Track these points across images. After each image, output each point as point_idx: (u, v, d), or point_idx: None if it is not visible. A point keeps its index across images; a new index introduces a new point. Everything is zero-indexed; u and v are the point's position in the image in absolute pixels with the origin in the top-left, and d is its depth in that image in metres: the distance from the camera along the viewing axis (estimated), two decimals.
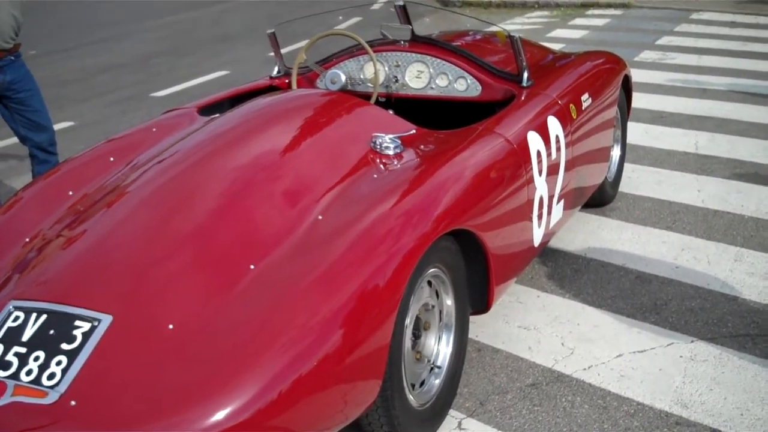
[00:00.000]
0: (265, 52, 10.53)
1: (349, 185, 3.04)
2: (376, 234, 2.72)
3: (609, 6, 14.18)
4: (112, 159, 3.48)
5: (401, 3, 4.48)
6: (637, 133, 6.52)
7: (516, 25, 12.63)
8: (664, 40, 10.78)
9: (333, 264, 2.60)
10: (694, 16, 12.80)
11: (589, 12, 13.88)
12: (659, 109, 7.36)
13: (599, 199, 4.98)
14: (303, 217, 2.83)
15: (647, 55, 9.75)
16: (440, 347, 3.15)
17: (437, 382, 3.10)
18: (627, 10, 13.85)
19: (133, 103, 8.82)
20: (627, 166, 5.61)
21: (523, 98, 3.96)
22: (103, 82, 9.98)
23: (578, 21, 12.99)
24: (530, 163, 3.56)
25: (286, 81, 4.52)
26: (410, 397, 2.88)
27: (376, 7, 14.94)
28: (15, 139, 5.36)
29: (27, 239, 3.01)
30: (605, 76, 4.79)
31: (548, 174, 3.72)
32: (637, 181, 5.58)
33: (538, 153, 3.63)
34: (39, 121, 5.17)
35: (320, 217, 2.84)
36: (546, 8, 14.37)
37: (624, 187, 5.39)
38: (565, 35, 11.56)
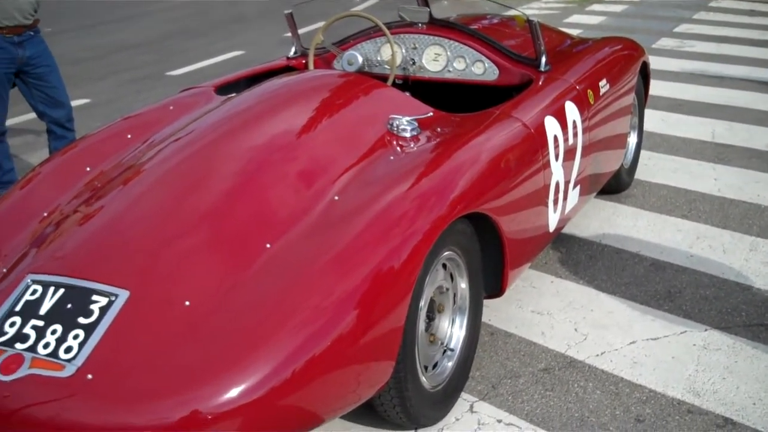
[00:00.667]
0: (279, 33, 10.52)
1: (365, 166, 3.04)
2: (391, 215, 2.72)
3: None
4: (129, 136, 3.48)
5: None
6: (654, 120, 6.50)
7: (533, 9, 12.55)
8: (683, 28, 10.72)
9: (348, 245, 2.60)
10: (713, 3, 12.71)
11: None
12: (677, 96, 7.32)
13: (615, 186, 4.96)
14: (319, 197, 2.84)
15: (665, 43, 9.70)
16: (453, 330, 3.15)
17: (450, 364, 3.10)
18: None
19: (148, 82, 8.83)
20: (643, 153, 5.59)
21: (540, 83, 3.94)
22: (119, 61, 9.98)
23: (596, 7, 12.92)
24: (547, 148, 3.55)
25: (303, 62, 4.52)
26: (423, 379, 2.89)
27: None
28: (32, 115, 5.39)
29: (45, 214, 3.02)
30: (623, 62, 4.76)
31: (565, 159, 3.71)
32: (654, 168, 5.56)
33: (555, 138, 3.62)
34: (57, 97, 5.20)
35: (336, 198, 2.84)
36: None
37: (640, 174, 5.38)
38: (583, 21, 11.50)
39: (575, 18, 11.77)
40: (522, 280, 4.04)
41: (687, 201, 5.01)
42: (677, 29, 10.63)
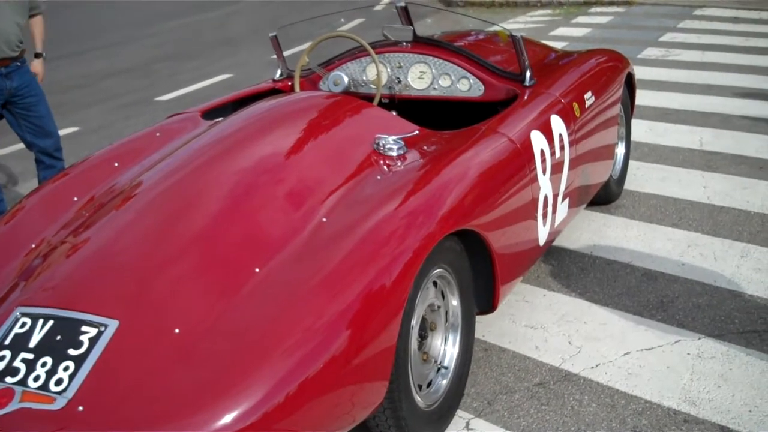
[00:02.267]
0: (267, 54, 10.52)
1: (353, 187, 3.05)
2: (380, 235, 2.73)
3: (611, 3, 14.16)
4: (116, 164, 3.48)
5: (402, 4, 4.48)
6: (642, 130, 6.52)
7: (519, 24, 12.62)
8: (668, 37, 10.76)
9: (338, 266, 2.60)
10: (697, 12, 12.77)
11: (592, 10, 13.86)
12: (664, 106, 7.34)
13: (604, 197, 4.97)
14: (307, 219, 2.84)
15: (651, 52, 9.74)
16: (447, 348, 3.15)
17: (444, 382, 3.10)
18: (629, 8, 13.82)
19: (137, 107, 8.83)
20: (632, 163, 5.61)
21: (525, 97, 3.95)
22: (107, 88, 10.00)
23: (581, 19, 12.98)
24: (534, 162, 3.55)
25: (289, 84, 4.53)
26: (417, 398, 2.88)
27: (378, 8, 14.95)
28: (21, 145, 5.38)
29: (33, 245, 3.02)
30: (608, 74, 4.78)
31: (552, 173, 3.72)
32: (642, 178, 5.57)
33: (542, 152, 3.63)
34: (44, 126, 5.20)
35: (324, 219, 2.84)
36: (549, 6, 14.36)
37: (629, 184, 5.39)
38: (568, 33, 11.55)
39: (561, 31, 11.82)
40: (514, 294, 4.03)
41: (677, 210, 5.02)
42: (662, 38, 10.68)
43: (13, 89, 5.01)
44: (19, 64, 5.05)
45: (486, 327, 3.75)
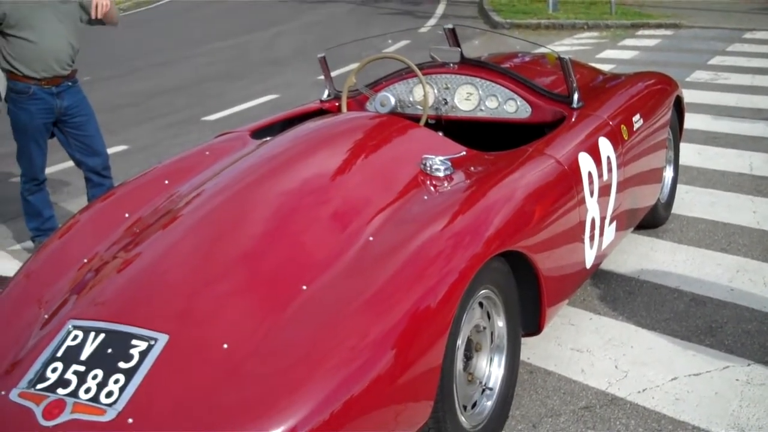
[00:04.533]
0: (313, 75, 10.63)
1: (399, 207, 3.06)
2: (427, 255, 2.73)
3: (659, 26, 14.07)
4: (166, 182, 3.53)
5: (450, 26, 4.51)
6: (691, 154, 6.45)
7: (565, 46, 12.58)
8: (716, 60, 10.67)
9: (384, 285, 2.62)
10: (747, 35, 12.64)
11: (639, 32, 13.78)
12: (713, 129, 7.27)
13: (652, 221, 4.92)
14: (354, 238, 2.85)
15: (699, 76, 9.65)
16: (492, 369, 3.13)
17: (489, 404, 3.08)
18: (678, 31, 13.72)
19: (184, 126, 8.95)
20: (680, 187, 5.55)
21: (573, 119, 3.95)
22: (155, 107, 10.14)
23: (628, 42, 12.91)
24: (581, 184, 3.54)
25: (336, 104, 4.57)
26: (462, 419, 2.87)
27: (423, 30, 15.02)
28: (71, 163, 5.47)
29: (84, 260, 3.07)
30: (657, 97, 4.75)
31: (600, 195, 3.70)
32: (691, 202, 5.51)
33: (590, 174, 3.61)
34: (93, 145, 5.26)
35: (371, 239, 2.86)
36: (596, 29, 14.29)
37: (677, 208, 5.34)
38: (615, 56, 11.49)
39: (607, 53, 11.77)
40: (560, 317, 4.00)
41: (726, 234, 4.96)
42: (711, 62, 10.59)
43: (64, 108, 5.07)
44: (70, 83, 5.10)
45: (531, 349, 3.73)
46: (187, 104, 10.15)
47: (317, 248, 2.82)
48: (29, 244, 5.44)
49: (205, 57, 13.96)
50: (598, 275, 4.45)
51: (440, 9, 18.40)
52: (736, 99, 8.41)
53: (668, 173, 5.16)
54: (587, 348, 3.76)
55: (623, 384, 3.47)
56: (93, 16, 4.98)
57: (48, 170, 5.40)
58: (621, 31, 13.97)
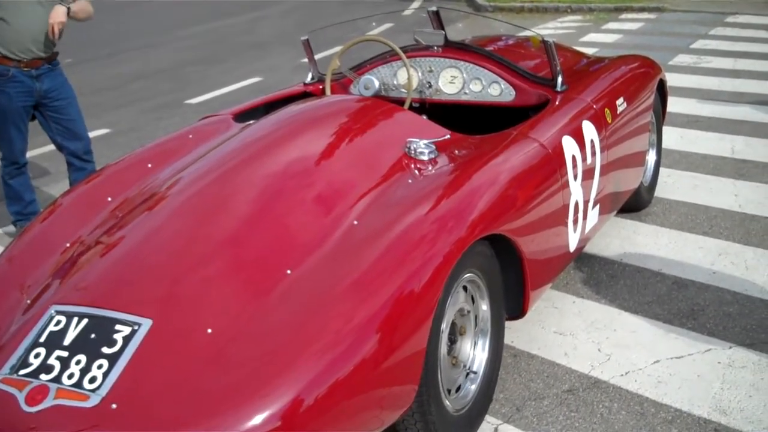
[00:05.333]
0: (296, 59, 10.59)
1: (384, 190, 3.05)
2: (411, 239, 2.73)
3: (643, 10, 14.10)
4: (149, 165, 3.51)
5: (434, 8, 4.49)
6: (673, 137, 6.47)
7: (549, 29, 12.57)
8: (699, 44, 10.70)
9: (368, 269, 2.61)
10: (729, 19, 12.68)
11: (623, 16, 13.80)
12: (694, 113, 7.30)
13: (635, 204, 4.94)
14: (339, 222, 2.84)
15: (682, 59, 9.68)
16: (476, 352, 3.14)
17: (473, 387, 3.09)
18: (661, 14, 13.75)
19: (167, 110, 8.89)
20: (663, 170, 5.57)
21: (557, 103, 3.94)
22: (138, 90, 10.07)
23: (612, 25, 12.92)
24: (565, 167, 3.54)
25: (320, 87, 4.55)
26: (446, 403, 2.88)
27: (407, 13, 14.98)
28: (52, 146, 5.43)
29: (67, 245, 3.05)
30: (640, 80, 4.76)
31: (583, 179, 3.71)
32: (673, 185, 5.54)
33: (573, 158, 3.62)
34: (75, 129, 5.21)
35: (356, 222, 2.85)
36: (579, 12, 14.31)
37: (660, 191, 5.36)
38: (599, 39, 11.50)
39: (591, 37, 11.77)
40: (543, 300, 4.02)
41: (708, 218, 4.98)
42: (694, 45, 10.62)
43: (44, 91, 5.01)
44: (50, 66, 5.05)
45: (515, 333, 3.74)
46: (170, 88, 10.08)
47: (301, 232, 2.81)
48: (11, 228, 5.40)
49: (186, 41, 13.87)
50: (582, 259, 4.47)
51: None
52: (719, 83, 8.44)
53: (651, 157, 5.17)
54: (570, 331, 3.78)
55: (606, 367, 3.49)
56: (51, 37, 4.90)
57: (29, 154, 5.35)
58: (604, 15, 13.99)
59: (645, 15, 13.79)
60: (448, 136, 3.51)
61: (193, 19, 16.38)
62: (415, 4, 16.23)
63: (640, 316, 3.89)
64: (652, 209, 5.15)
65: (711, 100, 7.78)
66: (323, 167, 3.15)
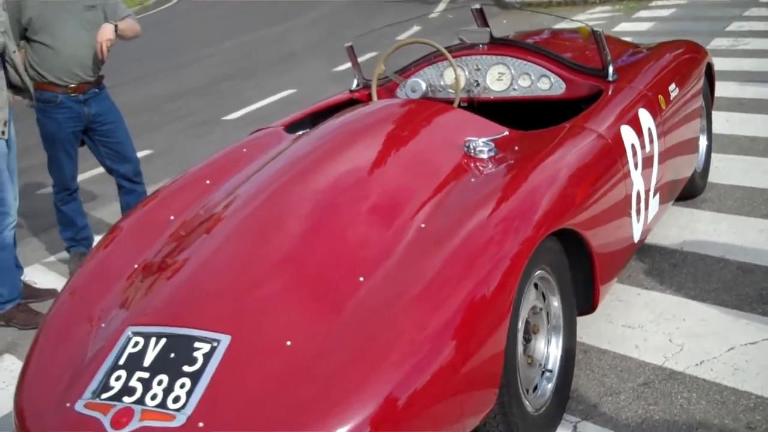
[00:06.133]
0: (327, 68, 10.61)
1: (447, 192, 3.03)
2: (480, 240, 2.71)
3: None
4: (208, 182, 3.51)
5: (478, 6, 4.46)
6: (719, 121, 6.35)
7: (579, 22, 12.45)
8: (734, 26, 10.54)
9: (440, 274, 2.59)
10: None
11: (653, 3, 13.62)
12: (737, 96, 7.19)
13: (690, 191, 4.87)
14: (406, 226, 2.83)
15: (719, 43, 9.55)
16: (550, 350, 3.10)
17: (550, 386, 3.05)
18: None
19: (206, 127, 8.93)
20: (713, 155, 5.48)
21: (610, 92, 3.89)
22: (175, 109, 10.13)
23: (642, 13, 12.78)
24: (626, 157, 3.50)
25: (366, 93, 4.52)
26: (526, 403, 2.84)
27: (433, 16, 14.96)
28: (100, 170, 5.45)
29: (135, 266, 3.05)
30: (689, 65, 4.70)
31: (643, 167, 3.66)
32: (725, 170, 5.45)
33: (633, 147, 3.57)
34: (123, 152, 5.23)
35: (423, 225, 2.83)
36: (608, 3, 14.14)
37: (713, 177, 5.28)
38: (631, 28, 11.38)
39: (624, 26, 11.64)
40: (608, 294, 3.94)
41: (765, 200, 4.89)
42: (729, 28, 10.46)
43: (92, 116, 5.03)
44: (97, 90, 5.07)
45: (583, 329, 3.68)
46: (205, 105, 10.13)
47: (370, 239, 2.80)
48: (64, 254, 5.43)
49: (215, 58, 13.93)
50: (642, 250, 4.39)
51: None
52: (758, 64, 8.32)
53: (702, 142, 5.10)
54: (639, 324, 3.72)
55: (679, 358, 3.43)
56: (99, 56, 4.86)
57: (78, 178, 5.37)
58: (634, 4, 13.81)
59: (675, 0, 13.61)
60: (507, 132, 3.47)
61: (218, 36, 16.43)
62: (441, 7, 16.19)
63: (708, 303, 3.82)
64: (707, 195, 5.07)
65: (752, 81, 7.66)
66: (384, 173, 3.14)
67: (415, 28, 13.09)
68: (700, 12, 12.12)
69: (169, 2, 24.94)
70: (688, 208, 4.90)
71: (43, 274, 5.33)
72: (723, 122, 6.44)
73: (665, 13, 12.53)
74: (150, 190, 5.17)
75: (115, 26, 4.85)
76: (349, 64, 4.67)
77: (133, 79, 12.58)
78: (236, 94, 10.47)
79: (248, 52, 14.00)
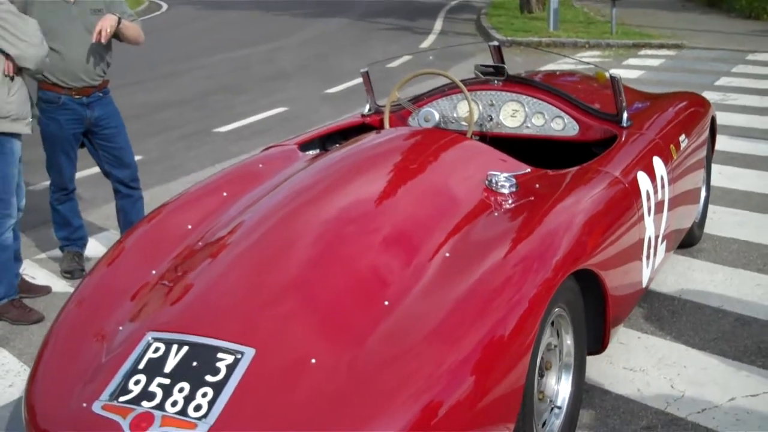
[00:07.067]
0: (319, 89, 10.61)
1: (470, 223, 3.04)
2: (504, 275, 2.72)
3: (662, 47, 14.12)
4: (225, 194, 3.50)
5: (496, 43, 4.51)
6: (712, 174, 6.44)
7: (569, 65, 12.61)
8: (723, 81, 10.73)
9: (464, 306, 2.60)
10: (750, 57, 12.72)
11: (642, 52, 13.83)
12: (729, 150, 7.29)
13: (687, 240, 4.92)
14: (433, 254, 2.83)
15: (709, 96, 9.51)
16: (560, 387, 3.11)
17: (558, 422, 3.06)
18: (680, 51, 13.79)
19: (197, 138, 8.88)
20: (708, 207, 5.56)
21: (624, 138, 3.94)
22: (167, 118, 10.05)
23: (632, 61, 12.95)
24: (641, 201, 3.54)
25: (378, 119, 4.54)
26: None
27: (423, 45, 15.07)
28: (90, 172, 5.38)
29: (153, 272, 3.02)
30: (697, 116, 4.78)
31: (655, 213, 3.70)
32: (720, 222, 5.52)
33: (648, 193, 3.61)
34: (123, 157, 5.18)
35: (447, 255, 2.84)
36: (597, 48, 14.34)
37: (708, 228, 5.34)
38: (622, 75, 11.48)
39: (613, 73, 11.77)
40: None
41: (760, 255, 4.97)
42: (718, 83, 10.65)
43: (94, 119, 4.99)
44: (100, 94, 5.03)
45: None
46: (196, 117, 10.07)
47: (396, 263, 2.80)
48: (56, 252, 5.37)
49: (206, 70, 13.88)
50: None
51: (438, 25, 18.47)
52: (748, 119, 8.47)
53: (702, 193, 5.17)
54: (640, 367, 3.74)
55: (682, 404, 3.45)
56: (93, 40, 4.80)
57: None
58: (623, 51, 14.03)
59: (664, 51, 13.82)
60: (529, 170, 3.50)
61: (210, 49, 16.35)
62: (431, 38, 16.32)
63: (707, 353, 3.85)
64: (703, 246, 5.13)
65: (742, 137, 7.80)
66: (410, 200, 3.17)
67: (406, 58, 13.17)
68: (689, 65, 12.31)
69: (156, 11, 24.88)
70: (685, 257, 4.95)
71: (34, 271, 5.25)
72: (716, 174, 6.50)
73: (655, 62, 12.71)
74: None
75: (119, 18, 4.84)
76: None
77: (128, 85, 12.49)
78: (227, 108, 10.43)
79: (238, 68, 13.95)
